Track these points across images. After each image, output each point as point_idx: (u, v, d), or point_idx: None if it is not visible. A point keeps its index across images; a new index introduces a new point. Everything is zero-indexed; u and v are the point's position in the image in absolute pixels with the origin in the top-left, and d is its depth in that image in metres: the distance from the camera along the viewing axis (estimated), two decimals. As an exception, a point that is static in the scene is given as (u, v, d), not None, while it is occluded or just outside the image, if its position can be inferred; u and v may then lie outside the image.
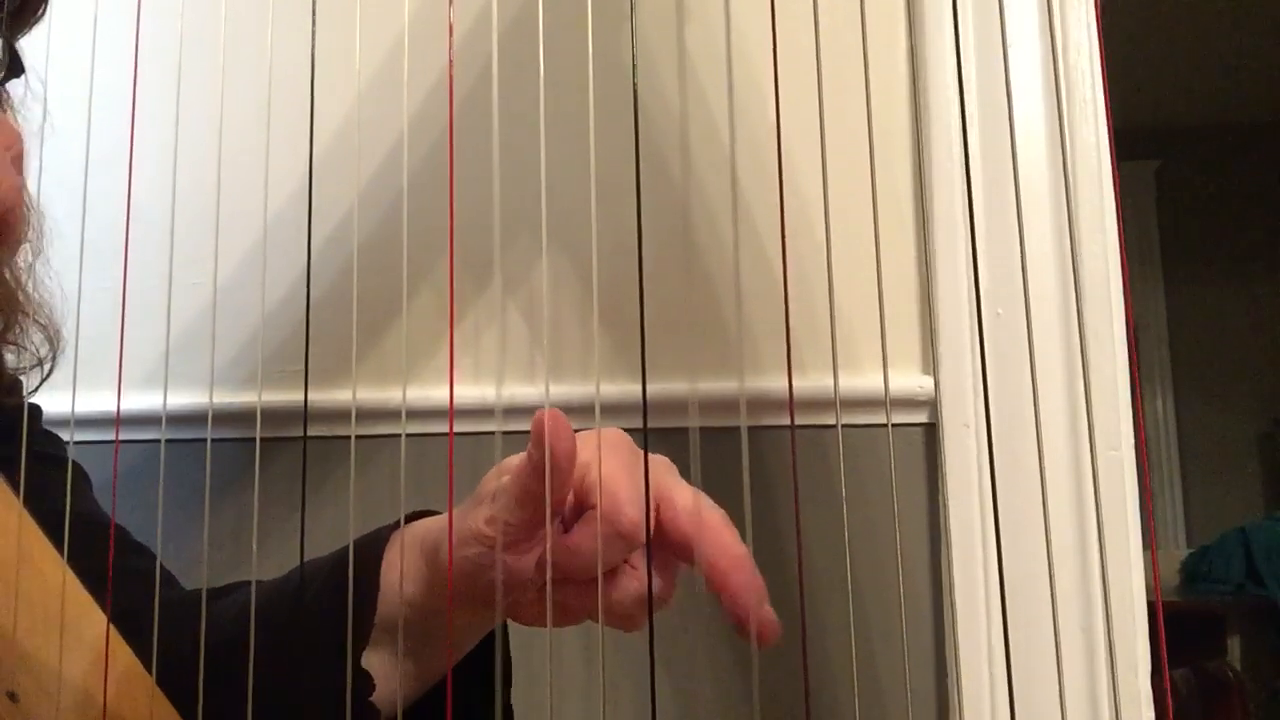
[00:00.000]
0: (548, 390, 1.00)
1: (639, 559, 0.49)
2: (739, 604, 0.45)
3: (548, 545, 0.47)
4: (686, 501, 0.48)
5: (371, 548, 0.55)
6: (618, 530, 0.46)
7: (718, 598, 0.46)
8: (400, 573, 0.54)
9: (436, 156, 0.98)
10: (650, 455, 0.48)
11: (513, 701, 0.57)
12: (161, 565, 0.61)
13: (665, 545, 0.48)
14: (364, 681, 0.54)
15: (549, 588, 0.47)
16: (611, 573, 0.48)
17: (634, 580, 0.49)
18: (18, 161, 0.40)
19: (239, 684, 0.47)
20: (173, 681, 0.52)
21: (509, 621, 0.54)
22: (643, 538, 0.47)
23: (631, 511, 0.46)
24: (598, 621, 0.49)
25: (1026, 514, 0.89)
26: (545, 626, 0.51)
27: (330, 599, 0.54)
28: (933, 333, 0.99)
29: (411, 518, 0.57)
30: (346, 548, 0.56)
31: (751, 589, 0.46)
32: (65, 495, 0.54)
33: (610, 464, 0.47)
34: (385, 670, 0.56)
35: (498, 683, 0.56)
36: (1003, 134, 0.95)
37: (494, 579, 0.49)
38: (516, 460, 0.50)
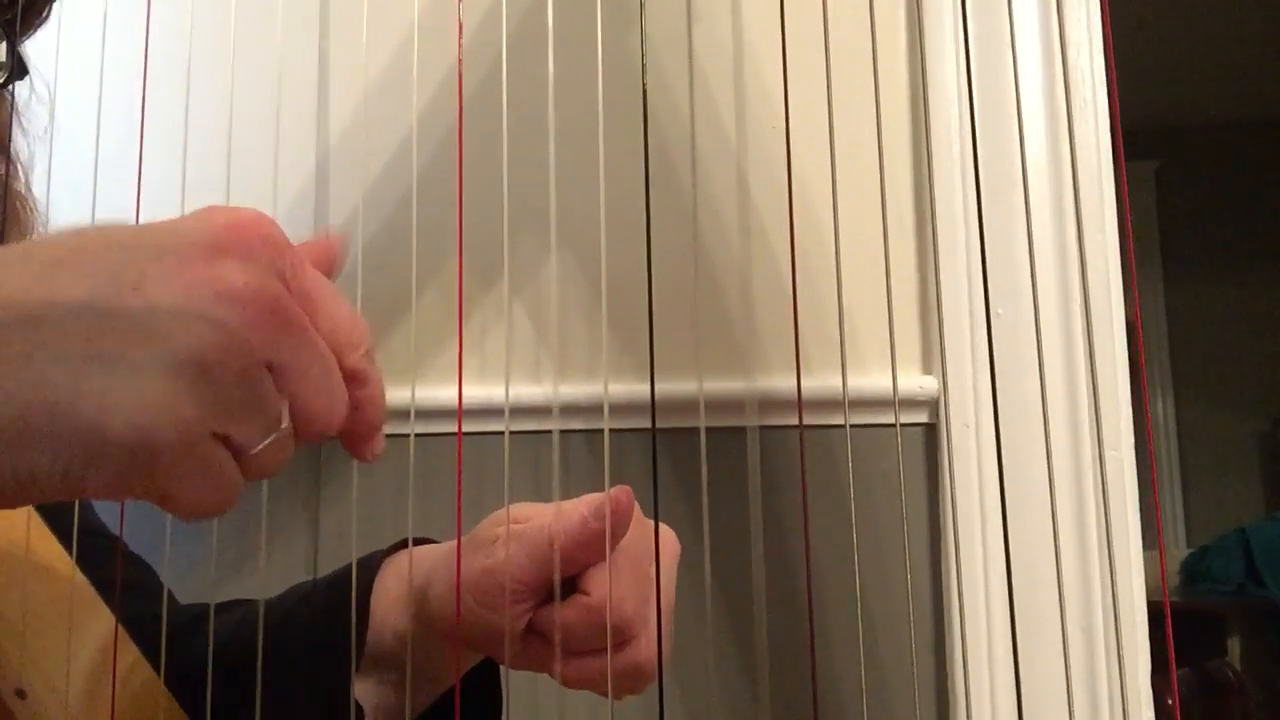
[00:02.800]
0: (557, 390, 0.99)
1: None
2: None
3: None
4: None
5: (363, 577, 0.55)
6: (614, 624, 0.47)
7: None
8: (379, 600, 0.54)
9: (444, 156, 0.98)
10: (665, 533, 0.48)
11: (518, 702, 0.57)
12: (159, 581, 0.61)
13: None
14: (356, 710, 0.54)
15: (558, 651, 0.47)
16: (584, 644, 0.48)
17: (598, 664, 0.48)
18: (369, 358, 0.38)
19: (231, 707, 0.47)
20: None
21: None
22: (637, 631, 0.47)
23: (631, 609, 0.47)
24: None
25: (1029, 514, 0.89)
26: (527, 670, 0.51)
27: (319, 626, 0.54)
28: (939, 333, 1.00)
29: (401, 545, 0.57)
30: (339, 573, 0.56)
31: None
32: (65, 503, 0.54)
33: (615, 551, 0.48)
34: (372, 700, 0.55)
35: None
36: (1007, 134, 0.96)
37: (485, 631, 0.48)
38: (527, 510, 0.50)
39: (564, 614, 0.47)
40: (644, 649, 0.48)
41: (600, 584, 0.47)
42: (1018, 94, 0.97)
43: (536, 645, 0.49)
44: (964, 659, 0.95)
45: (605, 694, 0.48)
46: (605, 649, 0.48)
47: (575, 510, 0.47)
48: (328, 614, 0.54)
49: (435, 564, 0.52)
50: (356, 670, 0.54)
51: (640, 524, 0.49)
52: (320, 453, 0.98)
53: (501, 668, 0.57)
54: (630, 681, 0.48)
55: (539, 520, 0.49)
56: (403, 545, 0.56)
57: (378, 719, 0.55)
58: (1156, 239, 3.88)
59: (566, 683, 0.49)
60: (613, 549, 0.47)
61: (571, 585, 0.49)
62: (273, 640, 0.52)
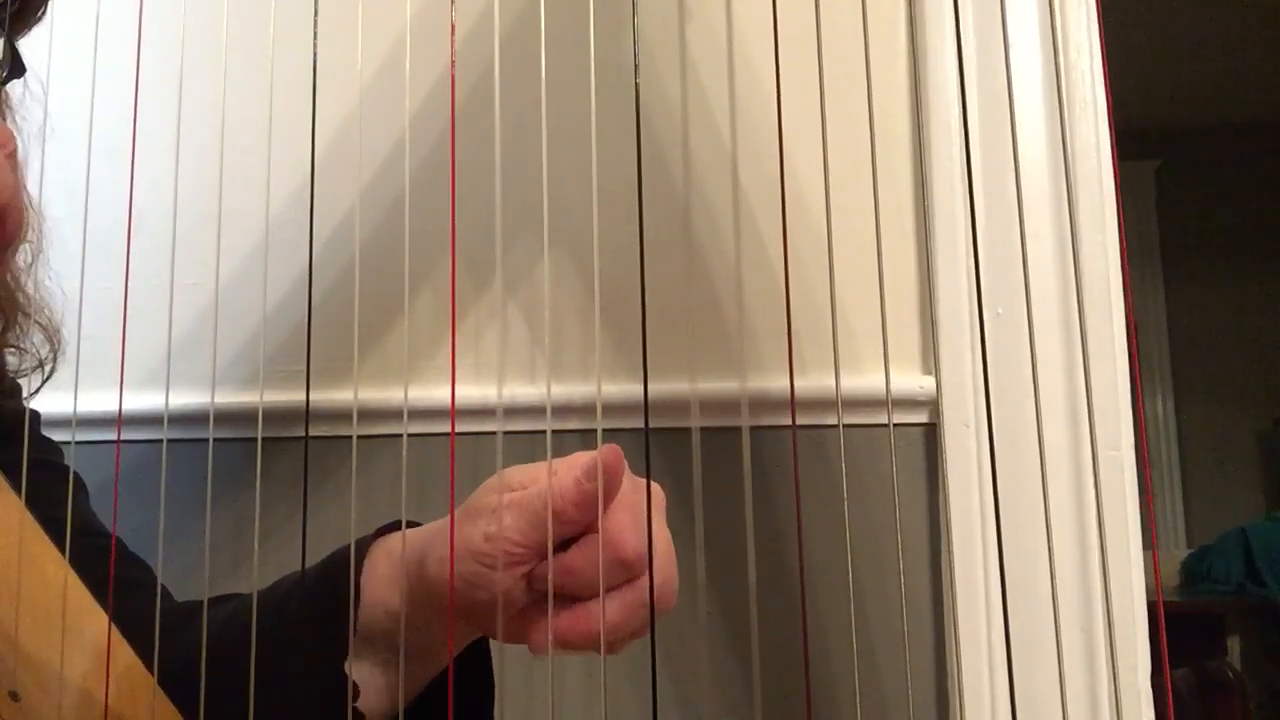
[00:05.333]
0: (550, 390, 1.00)
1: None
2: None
3: (551, 565, 0.47)
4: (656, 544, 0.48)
5: (352, 560, 0.55)
6: (620, 557, 0.47)
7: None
8: (371, 579, 0.54)
9: (438, 156, 0.98)
10: (653, 486, 0.48)
11: (515, 706, 0.57)
12: (155, 578, 0.61)
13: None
14: (350, 688, 0.54)
15: (550, 607, 0.47)
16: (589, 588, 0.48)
17: (610, 606, 0.48)
18: (12, 160, 0.39)
19: (227, 694, 0.47)
20: (165, 693, 0.52)
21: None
22: (644, 567, 0.47)
23: (635, 541, 0.47)
24: (571, 650, 0.49)
25: (1027, 514, 0.89)
26: (518, 643, 0.50)
27: (312, 609, 0.54)
28: (934, 333, 0.99)
29: (388, 529, 0.57)
30: (327, 559, 0.56)
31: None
32: (62, 503, 0.54)
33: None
34: (367, 679, 0.55)
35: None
36: (1003, 134, 0.95)
37: (483, 596, 0.48)
38: (520, 475, 0.50)
39: (571, 558, 0.47)
40: (644, 587, 0.48)
41: (607, 526, 0.47)
42: (1013, 94, 0.97)
43: (534, 608, 0.49)
44: (960, 660, 0.95)
45: (601, 647, 0.48)
46: (609, 592, 0.48)
47: (568, 473, 0.47)
48: (319, 598, 0.54)
49: (430, 538, 0.52)
50: (347, 652, 0.54)
51: (628, 476, 0.49)
52: (311, 454, 0.98)
53: (494, 655, 0.57)
54: (637, 619, 0.48)
55: (537, 486, 0.49)
56: (390, 528, 0.56)
57: (373, 698, 0.55)
58: (1156, 239, 3.88)
59: (560, 638, 0.48)
60: (607, 506, 0.47)
61: (572, 540, 0.49)
62: (266, 627, 0.53)
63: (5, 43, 0.55)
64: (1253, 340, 3.79)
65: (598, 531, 0.48)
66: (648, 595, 0.47)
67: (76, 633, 0.52)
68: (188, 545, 0.86)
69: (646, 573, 0.48)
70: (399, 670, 0.54)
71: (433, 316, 1.02)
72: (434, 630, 0.53)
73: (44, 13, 0.58)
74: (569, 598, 0.48)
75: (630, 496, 0.48)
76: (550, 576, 0.47)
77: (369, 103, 1.01)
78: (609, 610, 0.47)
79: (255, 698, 0.47)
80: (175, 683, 0.50)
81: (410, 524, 0.56)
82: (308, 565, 0.56)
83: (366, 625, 0.54)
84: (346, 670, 0.53)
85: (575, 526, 0.47)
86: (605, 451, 0.47)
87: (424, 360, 1.03)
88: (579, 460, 0.48)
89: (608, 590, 0.47)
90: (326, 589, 0.53)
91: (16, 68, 0.57)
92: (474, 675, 0.57)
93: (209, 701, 0.47)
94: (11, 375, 0.65)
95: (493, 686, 0.58)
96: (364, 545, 0.56)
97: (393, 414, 0.99)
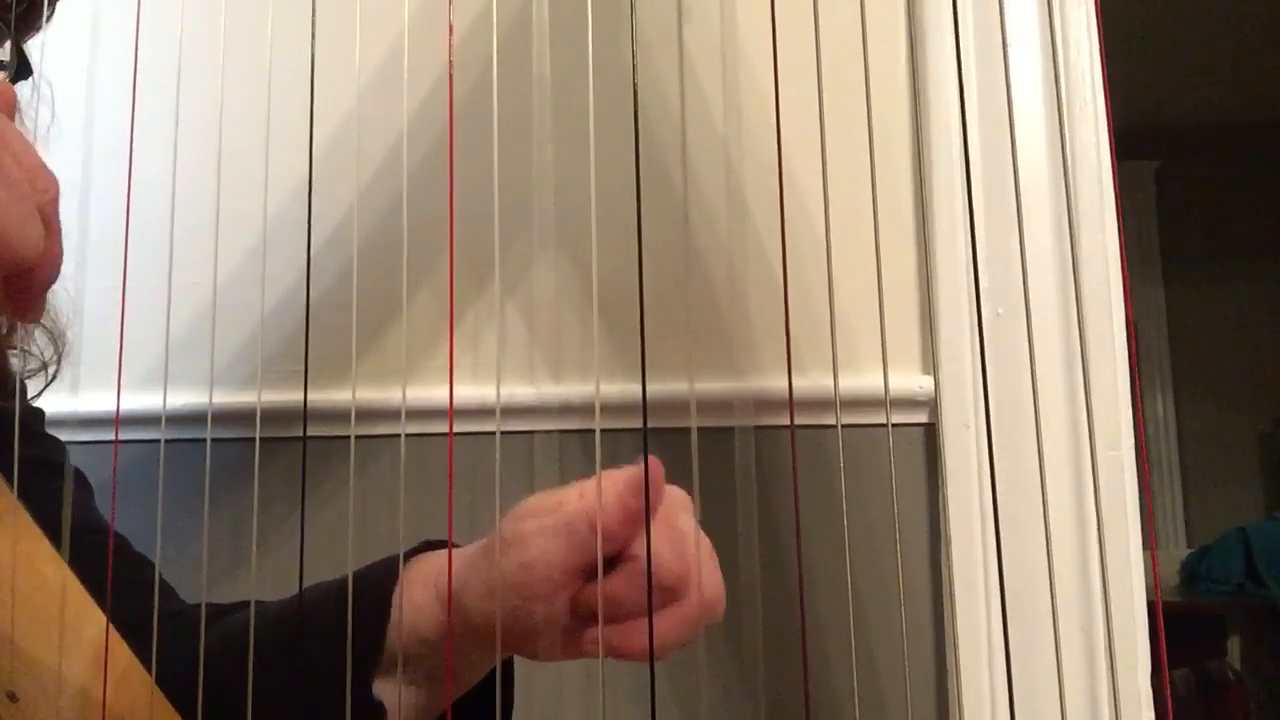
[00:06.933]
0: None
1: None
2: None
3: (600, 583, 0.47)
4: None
5: (381, 579, 0.55)
6: (659, 583, 0.46)
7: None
8: (403, 605, 0.53)
9: (436, 156, 0.98)
10: (670, 489, 0.48)
11: (513, 703, 0.57)
12: (162, 578, 0.60)
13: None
14: (376, 710, 0.54)
15: (599, 627, 0.47)
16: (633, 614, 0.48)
17: (659, 621, 0.48)
18: (53, 206, 0.38)
19: (242, 707, 0.47)
20: (175, 699, 0.52)
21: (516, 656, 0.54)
22: (686, 588, 0.47)
23: (675, 566, 0.47)
24: (607, 656, 0.49)
25: (1026, 514, 0.89)
26: (550, 661, 0.51)
27: (338, 628, 0.53)
28: (933, 333, 0.99)
29: (422, 547, 0.56)
30: (357, 576, 0.55)
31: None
32: (66, 503, 0.54)
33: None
34: (393, 699, 0.55)
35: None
36: (1003, 134, 0.95)
37: (526, 626, 0.48)
38: (539, 504, 0.49)
39: (613, 584, 0.47)
40: (694, 601, 0.48)
41: (644, 549, 0.47)
42: (1013, 94, 0.97)
43: (578, 628, 0.49)
44: (959, 660, 0.95)
45: (648, 658, 0.48)
46: (649, 612, 0.47)
47: (611, 489, 0.47)
48: (342, 617, 0.53)
49: (468, 567, 0.52)
50: (375, 670, 0.53)
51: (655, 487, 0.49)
52: (308, 452, 0.98)
53: (515, 667, 0.57)
54: (686, 634, 0.48)
55: (571, 506, 0.48)
56: (424, 548, 0.56)
57: (399, 717, 0.55)
58: (1156, 239, 3.88)
59: (616, 653, 0.48)
60: (653, 519, 0.47)
61: (610, 561, 0.49)
62: (290, 641, 0.52)
63: (12, 45, 0.55)
64: (1253, 340, 3.79)
65: (633, 552, 0.48)
66: (694, 611, 0.47)
67: (76, 633, 0.51)
68: (185, 545, 0.85)
69: (692, 591, 0.48)
70: (424, 690, 0.54)
71: (431, 316, 1.02)
72: (469, 655, 0.53)
73: (51, 15, 0.58)
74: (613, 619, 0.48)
75: (665, 512, 0.48)
76: (600, 600, 0.47)
77: (367, 103, 1.01)
78: (659, 626, 0.47)
79: (275, 713, 0.46)
80: (190, 690, 0.50)
81: (442, 544, 0.56)
82: (302, 570, 0.55)
83: (398, 646, 0.53)
84: (376, 694, 0.53)
85: (619, 544, 0.47)
86: (651, 468, 0.46)
87: (422, 360, 1.03)
88: (618, 478, 0.48)
89: (643, 615, 0.47)
90: (353, 610, 0.53)
91: (23, 69, 0.57)
92: (501, 690, 0.57)
93: (226, 713, 0.47)
94: (15, 375, 0.65)
95: (513, 700, 0.58)
96: (395, 567, 0.55)
97: (391, 414, 0.99)
